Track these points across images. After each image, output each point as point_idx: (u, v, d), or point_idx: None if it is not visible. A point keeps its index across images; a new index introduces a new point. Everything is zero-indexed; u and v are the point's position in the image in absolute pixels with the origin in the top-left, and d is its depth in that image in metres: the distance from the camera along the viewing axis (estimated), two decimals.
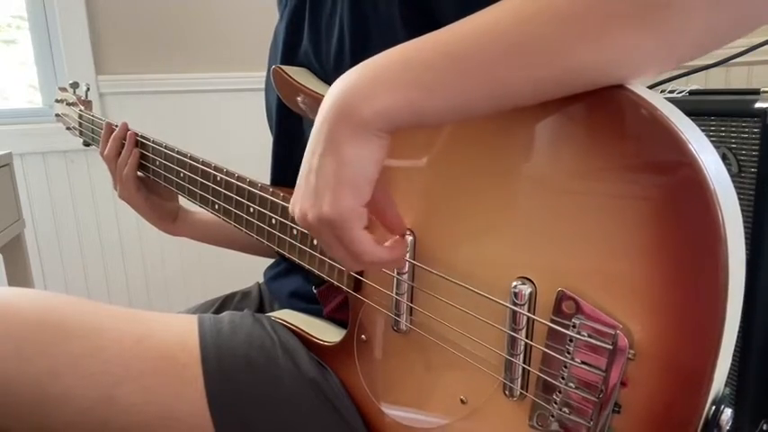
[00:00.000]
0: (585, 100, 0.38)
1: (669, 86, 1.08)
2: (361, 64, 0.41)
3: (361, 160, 0.39)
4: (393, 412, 0.56)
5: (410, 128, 0.40)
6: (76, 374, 0.53)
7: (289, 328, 0.64)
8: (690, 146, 0.34)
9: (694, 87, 1.06)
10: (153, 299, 1.88)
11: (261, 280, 0.86)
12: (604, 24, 0.34)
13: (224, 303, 0.85)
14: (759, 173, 0.92)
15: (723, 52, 1.00)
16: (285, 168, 0.76)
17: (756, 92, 0.95)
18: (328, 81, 0.64)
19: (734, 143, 0.96)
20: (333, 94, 0.41)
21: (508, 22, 0.36)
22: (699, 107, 1.01)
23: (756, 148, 0.93)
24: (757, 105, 0.93)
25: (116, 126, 0.88)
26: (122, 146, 0.86)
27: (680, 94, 1.06)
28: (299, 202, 0.43)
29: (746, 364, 0.97)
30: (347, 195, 0.40)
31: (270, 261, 0.84)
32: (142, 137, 0.86)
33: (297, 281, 0.73)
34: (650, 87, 1.08)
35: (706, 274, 0.34)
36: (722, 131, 0.97)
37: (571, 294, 0.40)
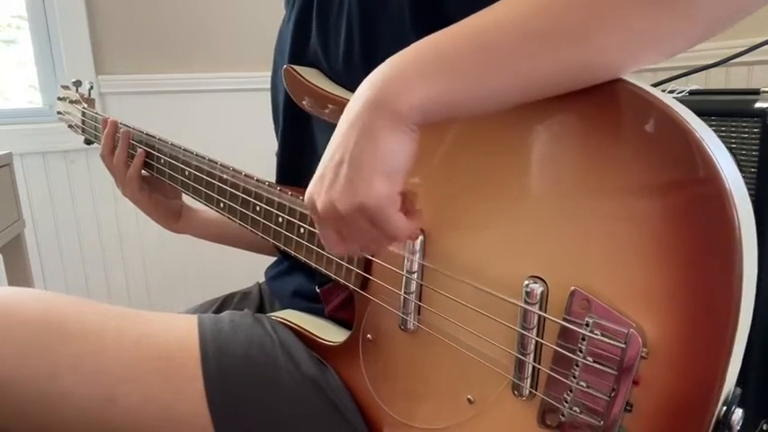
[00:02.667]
0: (599, 99, 0.38)
1: (669, 86, 1.08)
2: (393, 56, 0.42)
3: (399, 151, 0.40)
4: (398, 412, 0.56)
5: (442, 121, 0.41)
6: (77, 374, 0.53)
7: (291, 328, 0.64)
8: (708, 149, 0.34)
9: (694, 87, 1.06)
10: (153, 299, 1.88)
11: (261, 280, 0.86)
12: (621, 5, 0.35)
13: (224, 303, 0.85)
14: (759, 173, 0.93)
15: (723, 52, 1.00)
16: (291, 169, 0.76)
17: (756, 92, 0.95)
18: (337, 80, 0.64)
19: (734, 143, 0.96)
20: (369, 86, 0.41)
21: (531, 10, 0.37)
22: (699, 107, 1.01)
23: (756, 148, 0.93)
24: (757, 105, 0.93)
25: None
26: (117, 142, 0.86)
27: (680, 94, 1.05)
28: (325, 192, 0.44)
29: (746, 363, 0.96)
30: (384, 184, 0.41)
31: (271, 260, 0.84)
32: (147, 134, 0.85)
33: (299, 280, 0.73)
34: None
35: (720, 274, 0.34)
36: (722, 131, 0.97)
37: (584, 293, 0.40)
